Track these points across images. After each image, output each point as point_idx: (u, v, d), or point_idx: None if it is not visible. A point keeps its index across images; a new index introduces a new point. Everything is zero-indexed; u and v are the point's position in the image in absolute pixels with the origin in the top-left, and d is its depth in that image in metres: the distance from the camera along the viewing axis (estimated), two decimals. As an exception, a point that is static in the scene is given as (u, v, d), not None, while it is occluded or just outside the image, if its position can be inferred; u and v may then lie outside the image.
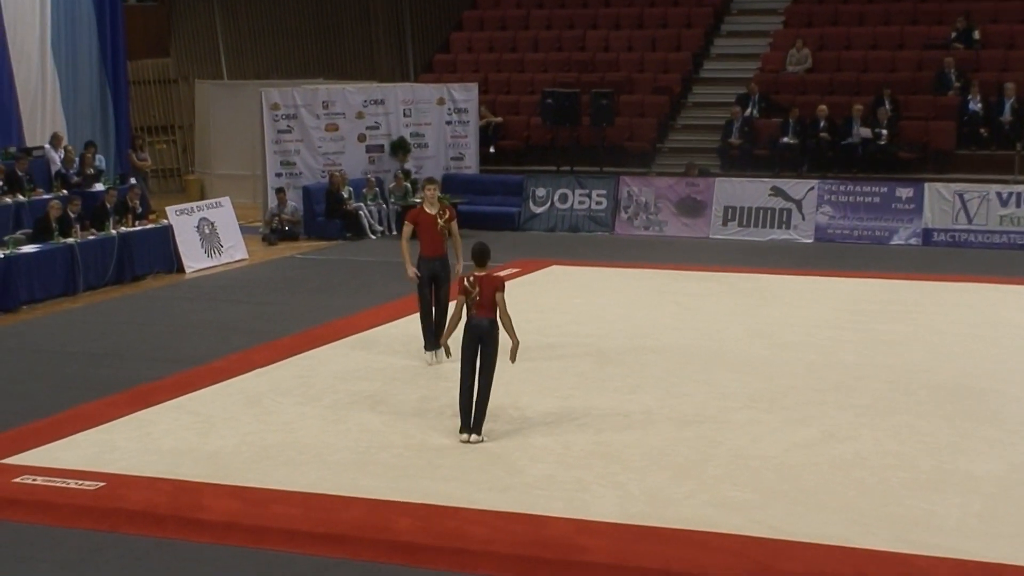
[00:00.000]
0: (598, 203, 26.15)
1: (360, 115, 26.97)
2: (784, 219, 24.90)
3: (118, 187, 23.27)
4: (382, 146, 27.22)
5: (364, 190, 25.92)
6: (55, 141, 25.06)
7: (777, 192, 25.04)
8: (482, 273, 12.15)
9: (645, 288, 19.70)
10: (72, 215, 20.62)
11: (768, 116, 27.29)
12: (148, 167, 28.37)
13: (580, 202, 26.25)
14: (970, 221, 23.90)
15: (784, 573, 9.07)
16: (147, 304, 19.26)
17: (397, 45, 36.29)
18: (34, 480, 10.90)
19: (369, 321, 17.24)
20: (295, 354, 15.46)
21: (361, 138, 27.01)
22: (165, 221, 22.11)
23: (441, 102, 27.85)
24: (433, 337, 14.49)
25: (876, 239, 24.27)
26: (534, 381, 13.95)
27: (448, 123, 27.94)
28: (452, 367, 14.29)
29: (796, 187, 25.02)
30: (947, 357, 15.21)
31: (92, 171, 24.48)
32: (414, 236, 14.80)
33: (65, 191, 23.09)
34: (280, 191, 25.51)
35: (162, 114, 34.47)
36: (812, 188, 24.87)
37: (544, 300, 18.57)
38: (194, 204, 23.63)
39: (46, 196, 22.49)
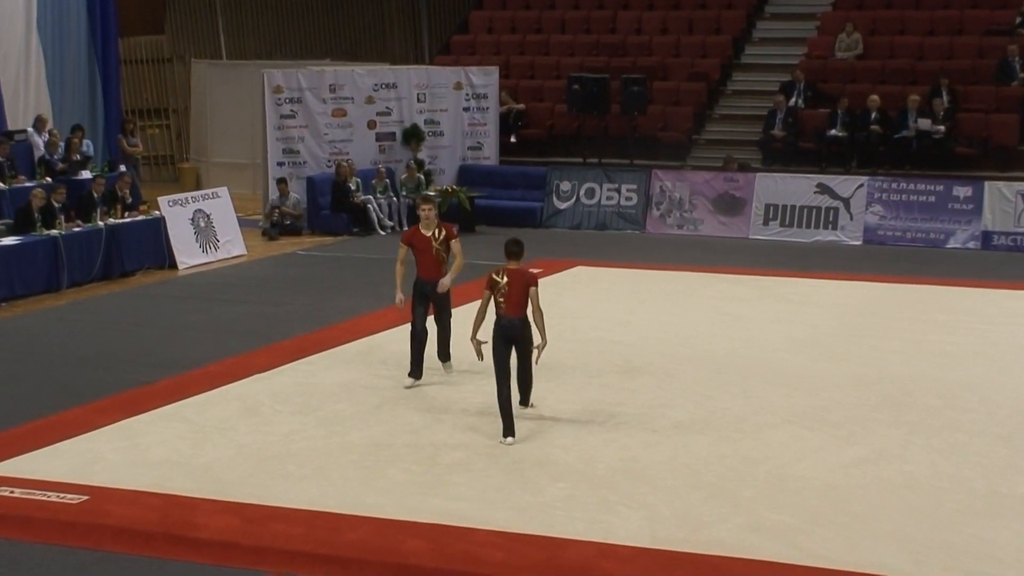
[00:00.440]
0: (628, 199, 26.14)
1: (370, 100, 27.00)
2: (830, 219, 24.85)
3: (107, 175, 23.32)
4: (394, 134, 27.25)
5: (373, 181, 25.95)
6: (39, 124, 25.11)
7: (823, 189, 24.99)
8: (513, 267, 12.27)
9: (678, 292, 19.68)
10: (56, 205, 20.67)
11: (814, 106, 27.24)
12: (139, 153, 28.42)
13: (608, 197, 26.25)
14: (1034, 223, 23.92)
15: (826, 605, 9.07)
16: (137, 303, 19.31)
17: (411, 24, 36.36)
18: (12, 493, 10.93)
19: (377, 324, 17.26)
20: (297, 359, 15.48)
21: (371, 125, 27.04)
22: (157, 213, 22.16)
23: (458, 87, 27.87)
24: (419, 365, 14.30)
25: (930, 242, 24.21)
26: (556, 392, 13.95)
27: (466, 110, 27.96)
28: (465, 376, 14.32)
29: (844, 184, 24.97)
30: (1005, 371, 15.17)
31: (79, 157, 24.53)
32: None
33: (49, 179, 23.15)
34: (282, 181, 25.55)
35: (155, 96, 34.56)
36: (861, 185, 24.82)
37: (568, 304, 18.57)
38: (189, 195, 23.68)
39: (28, 184, 22.54)
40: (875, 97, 26.23)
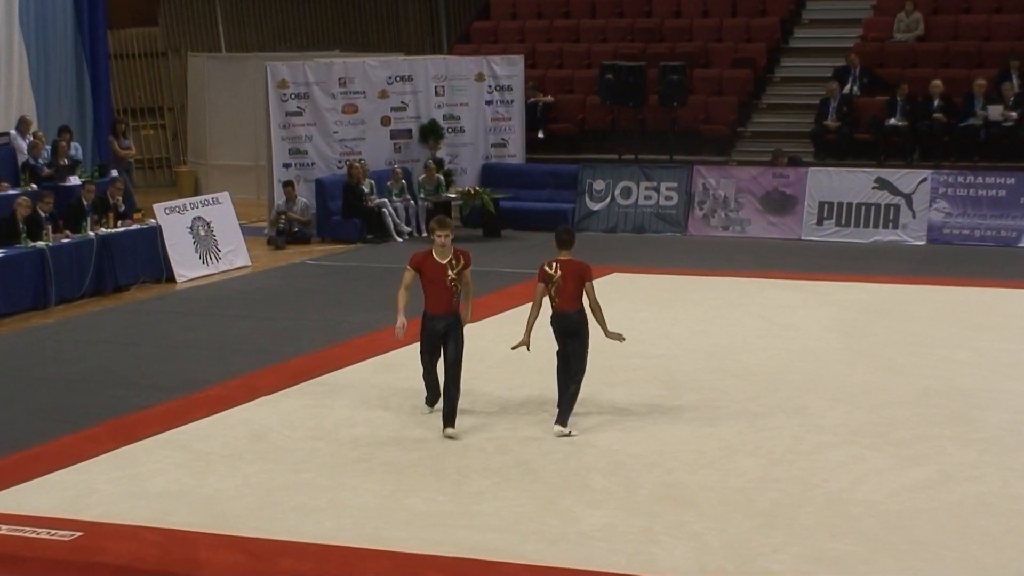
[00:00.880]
0: (667, 198, 26.13)
1: (383, 94, 27.06)
2: (891, 217, 24.80)
3: (97, 180, 23.43)
4: (410, 131, 27.31)
5: (389, 183, 26.00)
6: (23, 126, 25.22)
7: (882, 184, 24.94)
8: (566, 258, 12.92)
9: (724, 300, 19.66)
10: (43, 214, 20.75)
11: (871, 94, 27.22)
12: (133, 156, 28.52)
13: (646, 197, 26.25)
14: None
15: (893, 642, 9.04)
16: (132, 320, 19.36)
17: (428, 10, 36.41)
18: (-1, 528, 10.99)
19: (395, 340, 17.15)
20: (307, 379, 15.50)
21: (385, 121, 27.10)
22: (153, 221, 22.22)
23: (480, 78, 27.91)
24: (435, 393, 13.80)
25: (1001, 241, 24.15)
26: (592, 411, 13.93)
27: (488, 103, 28.00)
28: (490, 399, 14.31)
29: (905, 179, 24.92)
30: (1089, 382, 15.14)
31: (66, 162, 24.63)
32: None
33: (34, 185, 23.28)
34: (288, 185, 25.61)
35: (149, 94, 34.70)
36: (924, 180, 24.76)
37: (605, 314, 18.51)
38: (187, 201, 23.76)
39: (12, 192, 22.66)
40: (938, 82, 26.19)
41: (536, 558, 10.30)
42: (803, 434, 13.29)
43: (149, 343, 17.82)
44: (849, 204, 25.06)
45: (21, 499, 11.63)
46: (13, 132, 25.21)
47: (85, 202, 21.54)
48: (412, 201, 26.13)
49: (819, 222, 25.17)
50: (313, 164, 26.44)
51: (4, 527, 10.96)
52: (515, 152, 28.18)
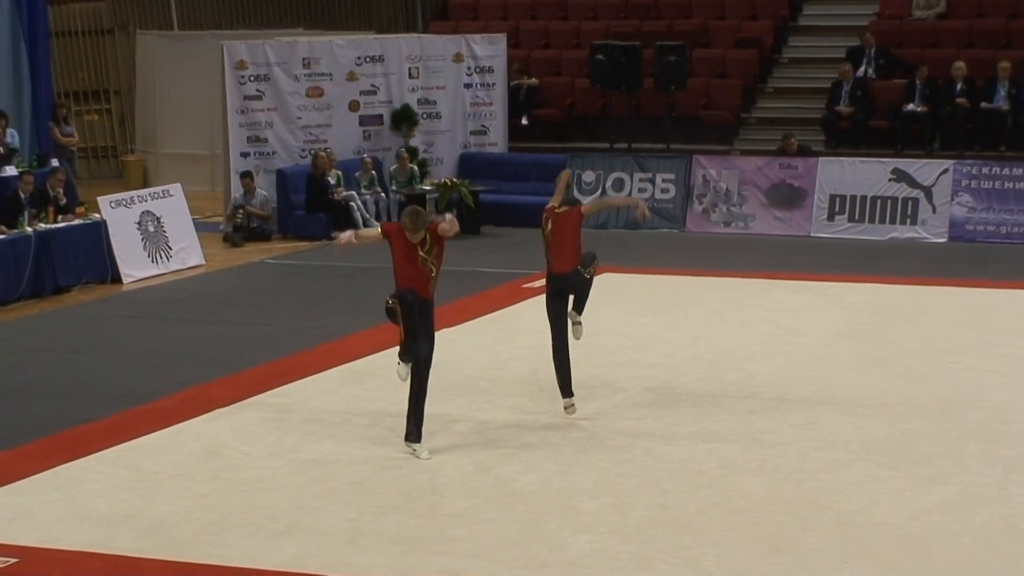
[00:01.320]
0: (664, 191, 26.17)
1: (352, 76, 27.06)
2: (908, 212, 24.86)
3: (36, 171, 23.35)
4: (381, 117, 27.32)
5: (357, 175, 26.01)
6: (-47, 112, 25.21)
7: (900, 176, 24.99)
8: (561, 210, 14.02)
9: (726, 303, 19.69)
10: (-24, 208, 20.76)
11: (888, 77, 27.26)
12: (75, 144, 28.49)
13: (641, 190, 26.26)
14: None
15: None
16: (74, 324, 19.34)
17: (400, -16, 36.41)
18: (-76, 556, 10.96)
19: (363, 347, 17.26)
20: (266, 390, 15.49)
21: (353, 106, 27.10)
22: (97, 216, 22.19)
23: (459, 59, 27.93)
24: (413, 350, 13.17)
25: (1030, 238, 24.26)
26: (581, 424, 13.95)
27: (467, 87, 28.02)
28: (470, 412, 14.31)
29: (925, 169, 24.97)
30: (1125, 394, 15.17)
31: (2, 150, 24.60)
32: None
33: (-34, 177, 23.24)
34: (247, 176, 25.60)
35: (94, 76, 34.64)
36: (946, 171, 24.81)
37: (594, 318, 18.47)
38: (135, 193, 23.73)
39: (-58, 184, 22.64)
40: (960, 64, 26.23)
41: (518, 587, 10.31)
42: (812, 451, 13.29)
43: (92, 351, 17.80)
44: (863, 197, 25.10)
45: (-50, 522, 11.62)
46: (-58, 118, 25.18)
47: (22, 195, 21.48)
48: (383, 194, 26.13)
49: (830, 217, 25.21)
50: (274, 153, 26.42)
51: (-69, 553, 10.97)
52: (496, 140, 28.19)
